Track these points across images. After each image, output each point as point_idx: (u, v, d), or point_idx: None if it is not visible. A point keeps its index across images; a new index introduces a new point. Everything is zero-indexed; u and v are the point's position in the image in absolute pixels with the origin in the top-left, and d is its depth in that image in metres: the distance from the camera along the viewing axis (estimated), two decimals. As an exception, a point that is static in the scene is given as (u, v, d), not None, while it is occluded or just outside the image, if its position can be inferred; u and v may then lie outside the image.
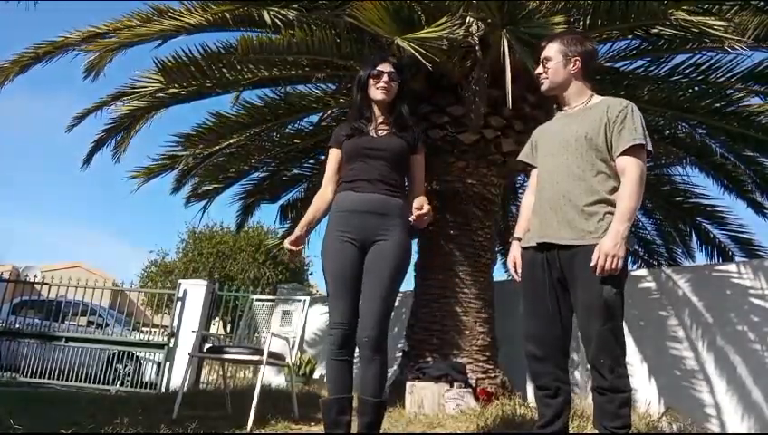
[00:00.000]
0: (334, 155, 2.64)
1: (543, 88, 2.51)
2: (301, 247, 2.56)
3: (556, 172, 2.37)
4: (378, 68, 2.56)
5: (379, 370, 2.34)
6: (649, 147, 2.29)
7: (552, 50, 2.45)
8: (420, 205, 2.43)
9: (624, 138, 2.26)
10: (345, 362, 2.39)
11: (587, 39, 2.55)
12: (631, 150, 2.24)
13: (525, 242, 2.45)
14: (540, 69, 2.49)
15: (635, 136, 2.25)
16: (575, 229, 2.25)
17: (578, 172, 2.30)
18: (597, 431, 2.18)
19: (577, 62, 2.43)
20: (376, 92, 2.56)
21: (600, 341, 2.15)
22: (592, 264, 2.13)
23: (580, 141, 2.32)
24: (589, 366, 2.22)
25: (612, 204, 2.24)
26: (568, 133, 2.38)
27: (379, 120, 2.60)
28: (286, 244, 2.55)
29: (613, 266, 2.11)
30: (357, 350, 2.40)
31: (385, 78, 2.54)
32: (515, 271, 2.50)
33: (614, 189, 2.26)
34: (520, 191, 8.38)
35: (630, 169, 2.23)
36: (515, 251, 2.51)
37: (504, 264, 8.89)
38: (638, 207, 2.24)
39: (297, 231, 2.55)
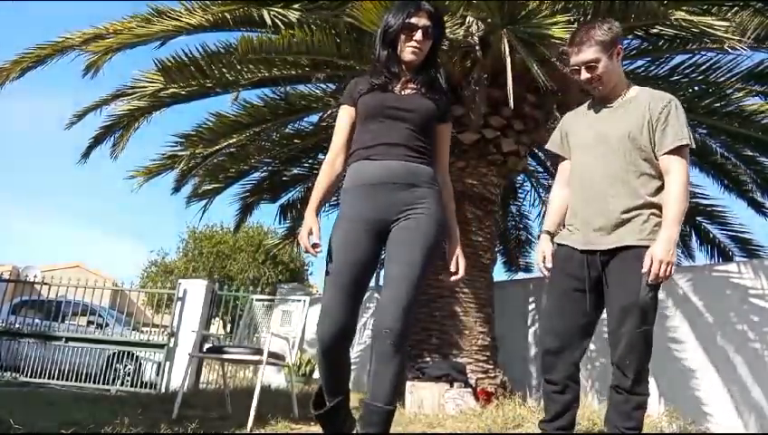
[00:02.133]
0: (346, 114, 2.18)
1: (598, 91, 2.32)
2: (319, 244, 2.01)
3: (596, 172, 2.27)
4: (412, 20, 2.08)
5: (396, 371, 1.91)
6: (693, 145, 2.21)
7: (592, 52, 2.22)
8: (455, 266, 2.12)
9: (669, 136, 2.17)
10: (335, 362, 2.06)
11: (606, 21, 2.30)
12: (676, 150, 2.16)
13: (562, 239, 2.36)
14: (585, 74, 2.27)
15: (681, 135, 2.16)
16: (618, 233, 2.19)
17: (620, 174, 2.21)
18: (607, 431, 2.17)
19: (620, 49, 2.27)
20: (405, 51, 2.10)
21: (630, 342, 2.12)
22: (644, 270, 2.07)
23: (622, 141, 2.22)
24: (603, 365, 2.21)
25: (655, 205, 2.18)
26: (608, 129, 2.27)
27: (406, 78, 2.15)
28: (303, 241, 2.02)
29: (667, 273, 2.06)
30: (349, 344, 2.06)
31: (419, 35, 2.08)
32: (545, 266, 2.37)
33: (657, 190, 2.19)
34: (520, 191, 8.37)
35: (676, 170, 2.15)
36: (545, 246, 2.40)
37: (505, 263, 8.89)
38: (686, 209, 2.16)
39: (308, 220, 2.04)
